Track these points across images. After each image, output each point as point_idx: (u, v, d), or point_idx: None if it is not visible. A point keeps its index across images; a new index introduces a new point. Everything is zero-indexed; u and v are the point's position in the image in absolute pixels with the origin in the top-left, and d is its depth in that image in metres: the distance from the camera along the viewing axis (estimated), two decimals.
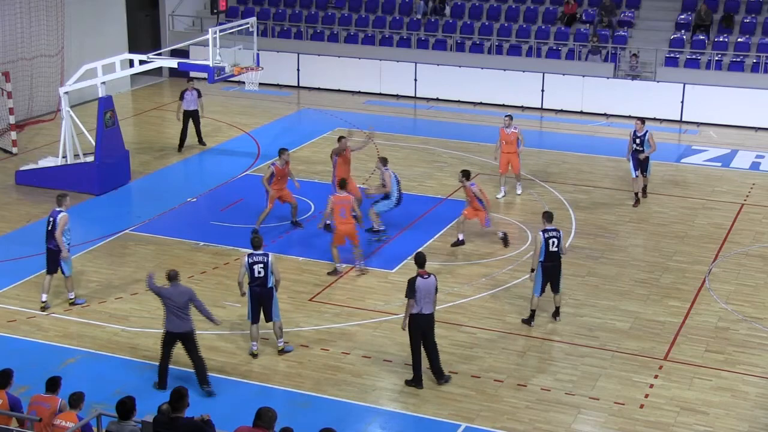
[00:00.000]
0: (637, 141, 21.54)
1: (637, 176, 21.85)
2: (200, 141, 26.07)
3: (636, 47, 30.36)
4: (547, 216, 16.59)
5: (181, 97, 25.46)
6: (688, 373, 15.04)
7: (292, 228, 20.42)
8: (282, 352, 15.41)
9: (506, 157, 22.08)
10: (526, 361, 15.38)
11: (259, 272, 14.87)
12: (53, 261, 16.67)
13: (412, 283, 14.25)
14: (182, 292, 14.15)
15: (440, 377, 14.70)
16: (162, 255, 19.22)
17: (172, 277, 14.25)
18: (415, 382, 14.60)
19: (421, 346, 14.54)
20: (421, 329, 14.41)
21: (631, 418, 13.85)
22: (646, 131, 21.52)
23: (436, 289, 14.46)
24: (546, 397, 14.37)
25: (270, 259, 14.99)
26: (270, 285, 15.00)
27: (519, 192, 22.43)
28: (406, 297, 14.29)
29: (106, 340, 15.91)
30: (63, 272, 16.75)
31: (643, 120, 21.87)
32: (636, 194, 22.01)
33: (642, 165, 21.73)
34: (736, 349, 15.78)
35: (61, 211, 16.60)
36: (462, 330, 16.34)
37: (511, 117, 22.32)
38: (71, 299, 16.91)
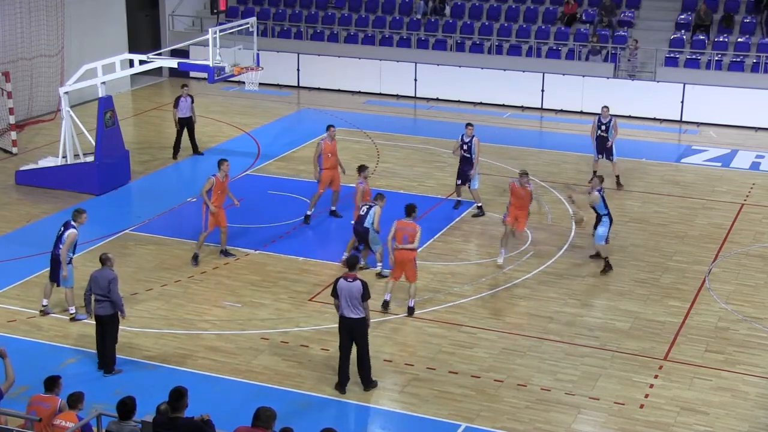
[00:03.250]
0: (603, 127, 22.61)
1: (598, 159, 22.93)
2: (195, 150, 25.34)
3: (636, 47, 30.36)
4: (601, 179, 18.69)
5: (176, 105, 24.97)
6: (688, 373, 15.03)
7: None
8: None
9: (515, 212, 18.80)
10: (526, 361, 15.37)
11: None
12: (55, 269, 16.40)
13: (334, 283, 14.35)
14: (105, 276, 14.71)
15: (367, 384, 14.41)
16: (162, 255, 19.22)
17: (104, 260, 14.91)
18: (337, 386, 14.36)
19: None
20: (346, 333, 14.20)
21: (631, 418, 13.84)
22: (611, 118, 22.57)
23: (363, 297, 14.02)
24: (546, 397, 14.36)
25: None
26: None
27: (500, 262, 18.65)
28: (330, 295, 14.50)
29: None
30: (59, 284, 16.40)
31: (607, 107, 22.83)
32: (594, 172, 22.12)
33: (606, 151, 22.72)
34: (736, 349, 15.78)
35: (73, 228, 16.25)
36: (462, 330, 16.33)
37: (526, 173, 19.02)
38: (72, 314, 16.45)
